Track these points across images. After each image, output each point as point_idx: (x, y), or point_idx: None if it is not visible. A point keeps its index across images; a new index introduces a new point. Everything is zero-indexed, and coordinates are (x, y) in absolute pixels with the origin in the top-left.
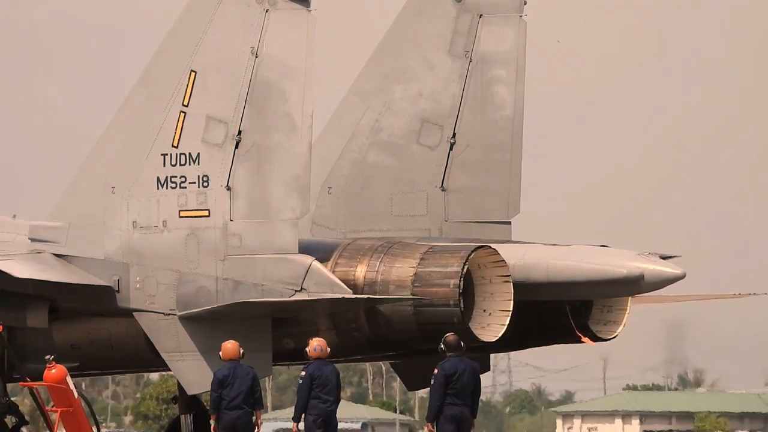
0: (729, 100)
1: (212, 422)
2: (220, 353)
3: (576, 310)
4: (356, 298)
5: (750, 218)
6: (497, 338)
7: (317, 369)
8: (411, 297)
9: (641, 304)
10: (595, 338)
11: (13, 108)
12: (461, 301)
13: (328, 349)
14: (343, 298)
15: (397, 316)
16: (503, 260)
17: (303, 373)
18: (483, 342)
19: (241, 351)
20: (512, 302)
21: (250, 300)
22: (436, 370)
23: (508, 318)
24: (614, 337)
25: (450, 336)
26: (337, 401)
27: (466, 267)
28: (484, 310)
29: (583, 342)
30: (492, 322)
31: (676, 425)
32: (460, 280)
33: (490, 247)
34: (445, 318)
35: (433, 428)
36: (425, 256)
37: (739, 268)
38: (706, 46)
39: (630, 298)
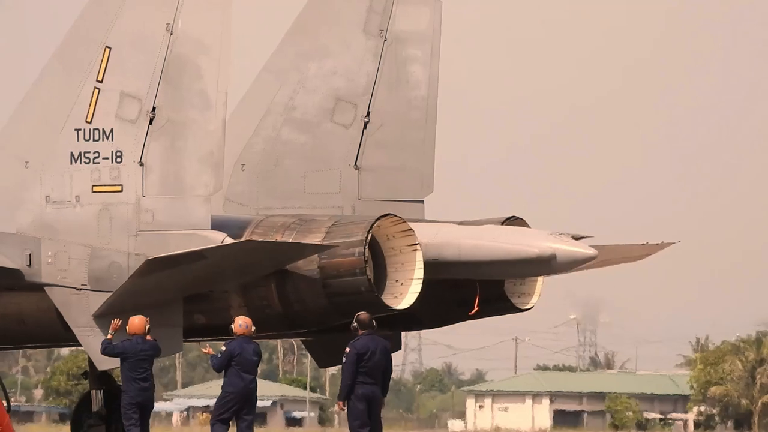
0: (643, 75)
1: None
2: (127, 327)
3: (489, 282)
4: (268, 290)
5: (663, 199)
6: (410, 305)
7: (239, 346)
8: (317, 244)
9: (552, 289)
10: (513, 309)
11: None
12: (367, 268)
13: (253, 328)
14: (248, 240)
15: (307, 292)
16: (411, 229)
17: (223, 348)
18: (395, 310)
19: (147, 326)
20: (423, 270)
21: (159, 256)
22: (348, 349)
23: (420, 285)
24: (531, 307)
25: (362, 314)
26: (254, 377)
27: (370, 235)
28: (396, 281)
29: (473, 313)
30: (404, 291)
31: (586, 406)
32: (364, 248)
33: (395, 215)
34: (354, 288)
35: (344, 407)
36: (330, 230)
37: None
38: (617, 23)
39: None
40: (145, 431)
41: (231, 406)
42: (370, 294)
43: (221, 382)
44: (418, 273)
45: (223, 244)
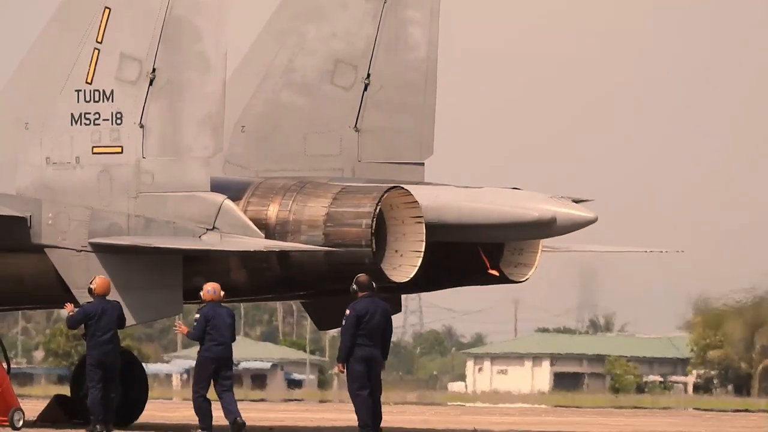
0: (646, 45)
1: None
2: (93, 287)
3: (487, 252)
4: (268, 251)
5: (662, 164)
6: (408, 279)
7: (211, 310)
8: (323, 248)
9: (550, 253)
10: (507, 280)
11: None
12: (373, 241)
13: (222, 293)
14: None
15: (308, 256)
16: (416, 201)
17: (197, 315)
18: (394, 283)
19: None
20: (424, 243)
21: (161, 246)
22: (347, 311)
23: (420, 259)
24: (526, 279)
25: (362, 276)
26: (231, 340)
27: (378, 207)
28: (396, 251)
29: (493, 274)
30: (404, 263)
31: (586, 368)
32: (372, 221)
33: (402, 187)
34: (357, 259)
35: (344, 369)
36: (338, 196)
37: (649, 215)
38: None
39: (540, 242)
40: (114, 391)
41: (209, 373)
42: (372, 266)
43: None
44: (420, 246)
45: (225, 249)
